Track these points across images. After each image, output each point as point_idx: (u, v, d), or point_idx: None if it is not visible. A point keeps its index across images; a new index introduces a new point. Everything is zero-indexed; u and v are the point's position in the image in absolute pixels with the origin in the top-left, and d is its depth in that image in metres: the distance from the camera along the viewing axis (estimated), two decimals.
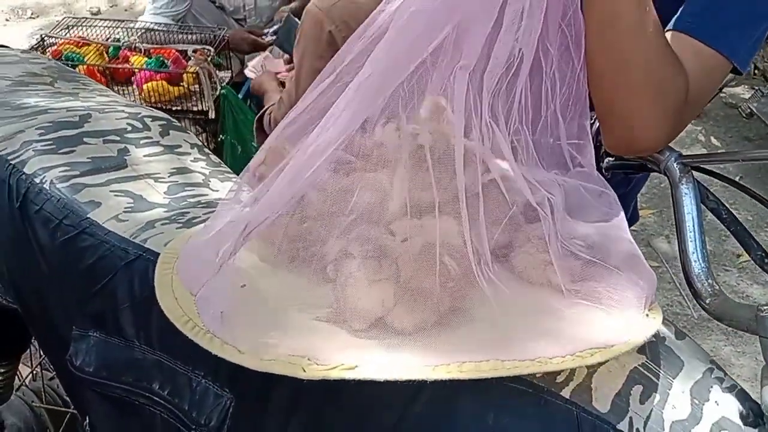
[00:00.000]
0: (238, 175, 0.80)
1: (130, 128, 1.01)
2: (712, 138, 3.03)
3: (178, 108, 2.05)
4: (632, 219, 1.06)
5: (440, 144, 0.62)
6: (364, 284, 0.57)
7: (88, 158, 0.91)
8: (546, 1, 0.58)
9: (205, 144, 2.16)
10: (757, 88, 2.93)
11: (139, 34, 2.41)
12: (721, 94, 3.24)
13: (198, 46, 2.08)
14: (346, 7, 1.56)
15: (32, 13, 3.88)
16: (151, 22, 2.53)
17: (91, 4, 3.87)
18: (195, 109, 2.06)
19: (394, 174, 0.63)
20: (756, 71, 2.90)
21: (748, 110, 2.72)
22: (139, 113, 1.06)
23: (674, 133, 0.72)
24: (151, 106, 2.03)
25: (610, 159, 0.81)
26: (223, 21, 2.75)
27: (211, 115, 2.03)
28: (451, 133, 0.60)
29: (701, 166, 0.78)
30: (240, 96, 2.33)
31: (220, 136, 2.23)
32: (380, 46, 0.62)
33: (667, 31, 0.73)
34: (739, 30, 0.73)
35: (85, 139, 0.95)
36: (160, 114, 1.09)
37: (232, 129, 2.22)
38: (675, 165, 0.75)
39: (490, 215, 0.59)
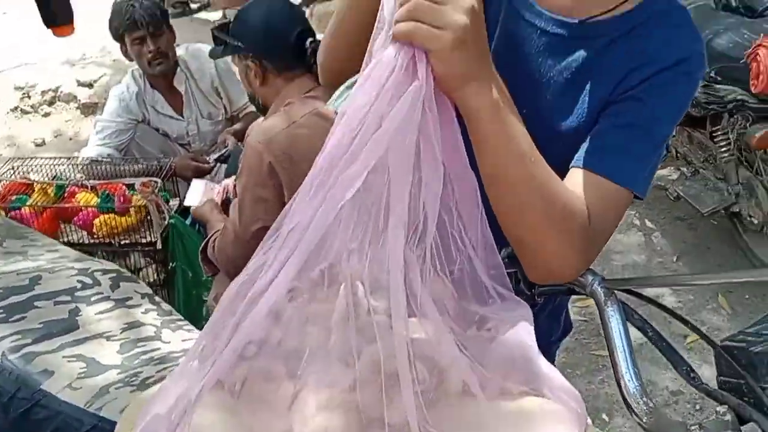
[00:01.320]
0: (189, 315, 0.82)
1: (80, 285, 1.03)
2: (647, 221, 3.18)
3: (127, 241, 2.07)
4: (566, 329, 1.12)
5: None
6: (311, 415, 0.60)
7: (39, 323, 0.92)
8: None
9: (156, 273, 2.18)
10: (681, 170, 3.11)
11: (84, 166, 2.44)
12: None
13: (145, 179, 2.12)
14: (284, 140, 1.64)
15: None
16: (96, 155, 2.57)
17: (35, 136, 3.91)
18: (144, 241, 2.07)
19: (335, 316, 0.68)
20: (678, 155, 3.09)
21: (675, 194, 2.88)
22: (89, 268, 1.08)
23: (587, 261, 0.79)
24: (101, 240, 2.06)
25: (540, 285, 0.88)
26: (167, 147, 2.80)
27: (159, 246, 2.05)
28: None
29: (625, 287, 0.85)
30: (188, 221, 2.36)
31: (171, 263, 2.24)
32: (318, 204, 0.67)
33: (572, 167, 0.81)
34: (638, 163, 0.82)
35: (35, 303, 0.96)
36: (110, 266, 1.12)
37: (182, 255, 2.23)
38: (599, 289, 0.81)
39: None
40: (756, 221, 2.63)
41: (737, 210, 2.69)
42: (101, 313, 0.99)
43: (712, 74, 2.35)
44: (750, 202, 2.59)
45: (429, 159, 0.64)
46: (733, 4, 2.76)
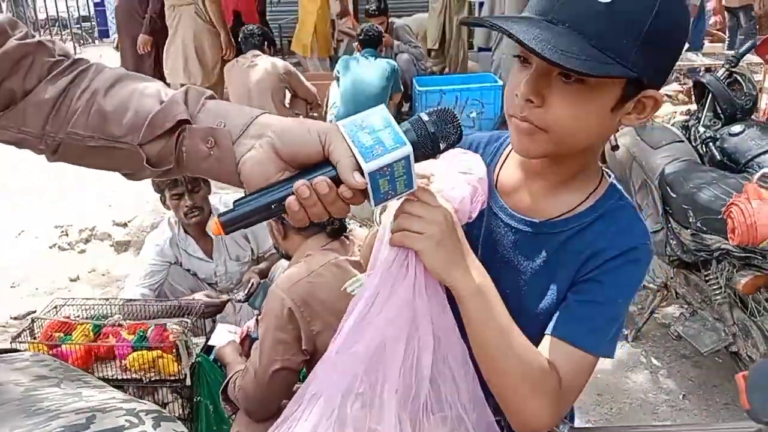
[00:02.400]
0: None
1: (128, 424, 1.18)
2: (653, 359, 3.27)
3: (157, 378, 2.22)
4: None
5: None
6: None
7: None
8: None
9: (182, 408, 2.31)
10: (683, 309, 3.25)
11: (120, 306, 2.63)
12: (655, 315, 3.56)
13: (176, 319, 2.31)
14: (304, 288, 1.85)
15: (13, 283, 4.12)
16: (132, 295, 2.79)
17: (71, 271, 4.15)
18: (172, 378, 2.23)
19: None
20: (677, 296, 3.24)
21: (676, 333, 3.00)
22: (134, 408, 1.24)
23: (559, 415, 0.95)
24: (132, 376, 2.22)
25: None
26: (197, 285, 3.02)
27: (188, 382, 2.20)
28: None
29: None
30: (211, 357, 2.52)
31: (195, 398, 2.38)
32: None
33: (546, 335, 0.98)
34: (599, 332, 0.99)
35: None
36: (152, 407, 1.27)
37: (206, 392, 2.38)
38: None
39: None
40: (755, 360, 2.73)
41: (736, 349, 2.80)
42: None
43: (698, 224, 2.55)
44: (746, 342, 2.70)
45: (424, 333, 0.83)
46: (718, 157, 3.02)
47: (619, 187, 1.05)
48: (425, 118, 0.84)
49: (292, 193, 0.79)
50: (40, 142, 0.89)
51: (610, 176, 1.05)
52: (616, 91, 0.89)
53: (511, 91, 0.92)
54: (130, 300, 2.68)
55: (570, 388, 0.95)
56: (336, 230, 2.00)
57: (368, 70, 5.25)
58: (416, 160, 0.82)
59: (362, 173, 0.78)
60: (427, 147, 0.83)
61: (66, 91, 0.89)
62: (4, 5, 10.09)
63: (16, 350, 1.61)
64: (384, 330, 0.80)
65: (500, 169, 1.08)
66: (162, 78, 5.95)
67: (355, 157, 0.79)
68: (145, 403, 1.36)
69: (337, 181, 0.80)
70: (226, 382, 2.05)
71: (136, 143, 0.87)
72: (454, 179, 0.90)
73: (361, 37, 5.51)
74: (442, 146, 0.84)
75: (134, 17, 5.90)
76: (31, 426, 1.17)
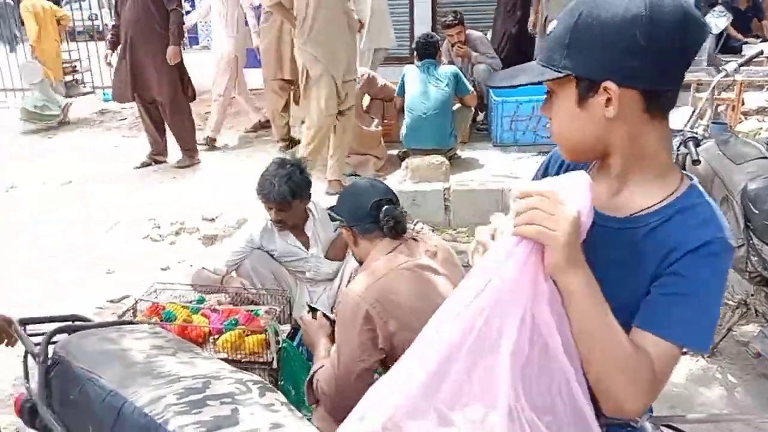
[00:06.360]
0: None
1: (238, 391, 1.33)
2: (729, 375, 3.22)
3: (247, 360, 2.39)
4: None
5: None
6: None
7: (211, 417, 1.22)
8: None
9: None
10: (762, 327, 3.19)
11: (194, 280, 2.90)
12: (733, 332, 3.49)
13: (266, 307, 2.48)
14: (377, 289, 1.96)
15: (109, 269, 4.41)
16: (213, 269, 3.09)
17: (162, 261, 4.41)
18: (261, 360, 2.39)
19: None
20: (757, 313, 3.18)
21: (755, 351, 2.96)
22: (242, 378, 1.39)
23: (650, 402, 1.02)
24: (224, 358, 2.39)
25: (605, 419, 1.09)
26: (278, 269, 3.24)
27: (275, 365, 2.36)
28: None
29: (669, 423, 1.08)
30: (295, 343, 2.67)
31: (280, 381, 2.54)
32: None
33: (633, 326, 1.05)
34: (688, 324, 1.04)
35: (208, 402, 1.26)
36: (257, 378, 1.42)
37: (289, 376, 2.53)
38: (647, 423, 1.04)
39: None
40: None
41: None
42: (254, 414, 1.28)
43: None
44: None
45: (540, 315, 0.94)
46: None
47: (702, 189, 1.10)
48: None
49: None
50: None
51: (692, 179, 1.11)
52: (571, 92, 1.08)
53: None
54: (205, 269, 2.97)
55: (660, 377, 1.02)
56: (392, 229, 2.09)
57: (431, 80, 5.49)
58: None
59: None
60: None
61: None
62: None
63: (132, 322, 1.80)
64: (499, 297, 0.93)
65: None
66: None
67: None
68: (250, 375, 1.51)
69: None
70: (311, 374, 2.17)
71: None
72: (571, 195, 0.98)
73: (417, 49, 5.63)
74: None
75: (155, 30, 5.87)
76: (157, 385, 1.34)
